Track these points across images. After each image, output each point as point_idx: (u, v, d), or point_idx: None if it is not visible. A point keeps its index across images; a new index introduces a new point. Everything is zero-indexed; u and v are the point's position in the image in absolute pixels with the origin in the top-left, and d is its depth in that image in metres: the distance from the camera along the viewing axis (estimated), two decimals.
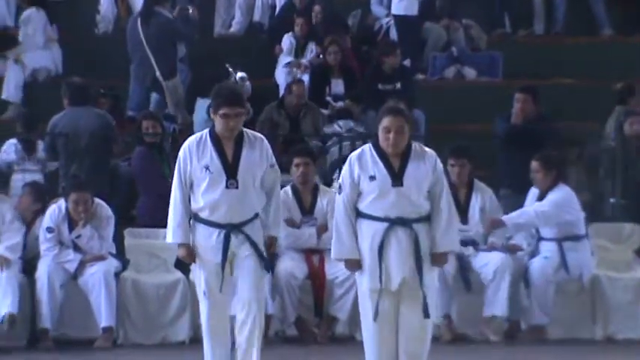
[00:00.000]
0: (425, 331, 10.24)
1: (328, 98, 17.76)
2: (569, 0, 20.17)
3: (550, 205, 14.43)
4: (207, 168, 10.35)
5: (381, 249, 10.06)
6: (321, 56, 18.69)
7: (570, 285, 14.50)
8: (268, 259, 10.80)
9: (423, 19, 19.08)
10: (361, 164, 10.14)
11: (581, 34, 19.98)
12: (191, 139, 10.55)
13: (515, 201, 14.64)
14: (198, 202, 10.43)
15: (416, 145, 10.22)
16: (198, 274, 10.60)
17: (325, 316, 14.29)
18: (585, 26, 20.04)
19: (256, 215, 10.51)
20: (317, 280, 14.38)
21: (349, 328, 14.34)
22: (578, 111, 17.26)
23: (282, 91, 18.23)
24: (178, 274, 14.48)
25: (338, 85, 17.81)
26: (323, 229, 13.91)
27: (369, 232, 10.04)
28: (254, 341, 10.54)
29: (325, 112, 17.42)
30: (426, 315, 10.09)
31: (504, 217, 12.71)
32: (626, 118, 16.43)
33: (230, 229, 10.39)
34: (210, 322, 10.53)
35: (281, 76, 18.62)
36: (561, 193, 14.47)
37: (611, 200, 15.96)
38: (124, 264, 14.59)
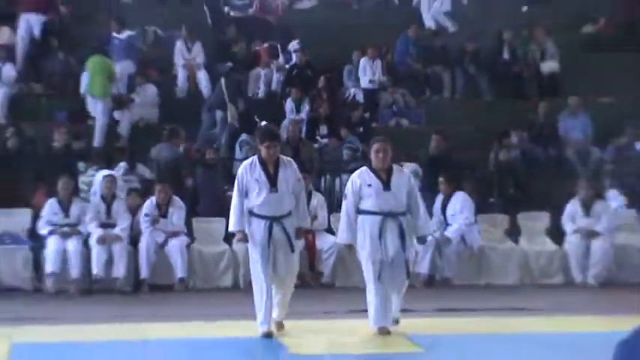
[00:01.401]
0: (405, 282, 10.56)
1: (317, 137, 17.25)
2: (464, 76, 19.50)
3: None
4: (257, 180, 10.37)
5: (380, 233, 10.32)
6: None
7: (465, 252, 14.84)
8: (296, 241, 10.67)
9: (378, 89, 18.56)
10: (362, 178, 10.52)
11: (471, 98, 19.25)
12: (245, 163, 10.68)
13: (431, 201, 14.46)
14: (252, 202, 10.41)
15: (395, 165, 10.70)
16: (252, 249, 10.51)
17: (315, 271, 14.65)
18: (473, 92, 19.34)
19: (290, 212, 10.51)
20: (311, 249, 14.55)
21: (330, 279, 14.57)
22: (472, 146, 16.92)
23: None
24: (225, 246, 14.65)
25: (324, 129, 17.30)
26: (314, 217, 14.03)
27: (369, 222, 10.39)
28: (288, 292, 10.62)
29: (315, 145, 17.03)
30: (409, 275, 10.64)
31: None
32: (499, 151, 16.60)
33: (272, 220, 10.38)
34: (259, 277, 10.36)
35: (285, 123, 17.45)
36: (459, 197, 14.71)
37: (491, 200, 16.16)
38: (192, 239, 14.74)
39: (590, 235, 14.72)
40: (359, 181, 10.52)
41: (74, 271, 13.86)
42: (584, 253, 14.73)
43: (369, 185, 10.43)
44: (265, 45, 18.87)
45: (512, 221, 15.52)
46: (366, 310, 10.69)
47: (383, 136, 11.26)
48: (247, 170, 10.46)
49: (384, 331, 10.42)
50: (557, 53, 19.60)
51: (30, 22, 18.18)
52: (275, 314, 10.50)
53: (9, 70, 17.49)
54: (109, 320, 11.62)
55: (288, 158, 10.94)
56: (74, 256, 13.88)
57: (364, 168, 10.70)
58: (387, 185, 10.41)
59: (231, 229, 10.82)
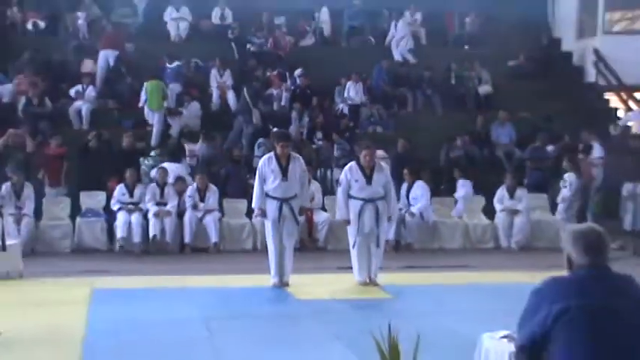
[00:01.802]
0: (380, 250, 10.79)
1: (315, 140, 16.78)
2: (422, 96, 19.13)
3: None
4: (272, 171, 10.54)
5: (360, 214, 10.56)
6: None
7: (423, 224, 14.71)
8: (299, 218, 11.00)
9: (360, 104, 18.25)
10: (351, 172, 10.72)
11: (427, 112, 18.83)
12: (264, 157, 10.88)
13: (398, 187, 14.06)
14: (268, 187, 10.57)
15: (378, 163, 10.86)
16: (267, 222, 10.70)
17: (313, 238, 14.49)
18: (429, 108, 18.89)
19: (296, 195, 10.63)
20: (310, 222, 14.38)
21: (324, 244, 14.42)
22: (428, 147, 16.73)
23: None
24: (247, 220, 14.48)
25: (319, 134, 16.84)
26: (312, 199, 13.58)
27: (353, 205, 10.62)
28: (291, 255, 10.70)
29: (313, 146, 16.53)
30: (379, 245, 10.76)
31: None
32: (449, 149, 16.58)
33: (282, 201, 10.53)
34: (272, 243, 10.59)
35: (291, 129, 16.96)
36: (419, 185, 14.68)
37: (441, 187, 16.00)
38: (223, 214, 14.64)
39: (513, 212, 14.72)
40: (349, 175, 10.66)
41: (136, 237, 13.87)
42: (509, 225, 14.74)
43: (356, 180, 10.58)
44: (276, 72, 18.65)
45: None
46: (351, 267, 10.82)
47: (369, 142, 11.40)
48: (266, 163, 10.59)
49: (362, 283, 10.67)
50: (490, 79, 19.57)
51: (106, 56, 18.20)
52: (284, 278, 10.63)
53: (91, 91, 17.47)
54: (162, 273, 11.78)
55: (297, 155, 11.05)
56: (136, 226, 13.88)
57: (353, 163, 10.83)
58: (369, 180, 10.57)
59: (253, 206, 10.95)
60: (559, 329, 3.99)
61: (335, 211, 11.85)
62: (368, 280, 10.70)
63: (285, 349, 7.72)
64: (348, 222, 10.75)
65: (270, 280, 10.66)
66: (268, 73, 18.77)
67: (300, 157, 10.97)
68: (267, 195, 10.57)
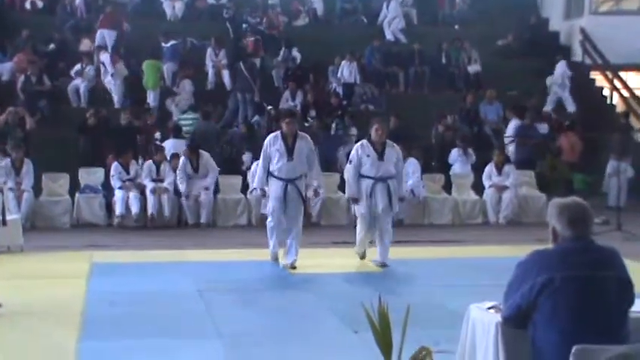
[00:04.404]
0: (390, 233, 10.34)
1: (308, 118, 16.46)
2: (413, 75, 19.17)
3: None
4: (278, 150, 9.94)
5: (372, 194, 10.04)
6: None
7: (414, 200, 14.48)
8: (306, 198, 10.39)
9: (353, 83, 18.25)
10: (362, 148, 10.16)
11: (418, 91, 18.76)
12: (270, 136, 10.26)
13: None
14: (273, 167, 9.98)
15: (388, 141, 10.24)
16: (271, 201, 10.15)
17: (307, 214, 13.57)
18: (419, 86, 18.89)
19: (301, 175, 10.11)
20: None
21: (317, 219, 14.16)
22: (419, 125, 16.44)
23: None
24: (241, 195, 14.34)
25: (312, 112, 16.63)
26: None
27: (364, 184, 10.08)
28: (298, 237, 10.12)
29: (306, 124, 15.83)
30: (393, 225, 10.54)
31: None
32: (437, 125, 16.56)
33: (287, 181, 9.94)
34: (273, 224, 10.13)
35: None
36: (410, 162, 14.37)
37: (433, 163, 15.95)
38: (218, 191, 14.50)
39: (501, 188, 14.69)
40: (360, 151, 10.12)
41: (134, 213, 13.77)
42: (497, 201, 14.71)
43: (368, 156, 10.04)
44: (253, 39, 18.54)
45: (447, 179, 15.37)
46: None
47: (380, 117, 10.78)
48: (271, 142, 10.05)
49: (360, 254, 10.51)
50: (479, 59, 19.57)
51: (104, 35, 18.11)
52: (289, 260, 10.07)
53: (90, 70, 17.44)
54: (160, 247, 11.76)
55: (304, 134, 10.46)
56: (134, 202, 13.78)
57: (364, 141, 10.29)
58: (381, 156, 10.06)
59: (255, 186, 10.57)
60: (543, 299, 4.05)
61: (328, 187, 11.69)
62: (377, 263, 10.33)
63: (279, 321, 7.75)
64: (356, 200, 10.29)
65: (268, 254, 10.41)
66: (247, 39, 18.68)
67: (308, 137, 10.37)
68: (271, 175, 10.04)
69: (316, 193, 10.84)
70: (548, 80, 19.21)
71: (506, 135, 16.91)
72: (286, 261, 10.11)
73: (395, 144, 10.30)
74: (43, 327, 7.36)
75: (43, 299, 8.41)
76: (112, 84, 17.37)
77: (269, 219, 10.27)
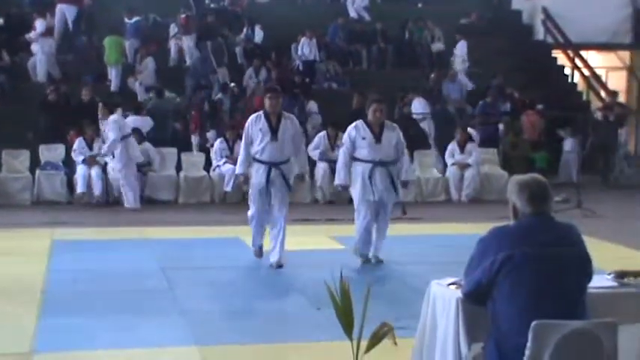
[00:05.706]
0: (387, 222, 9.37)
1: None
2: (377, 53, 19.36)
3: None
4: (260, 130, 8.85)
5: (370, 178, 8.95)
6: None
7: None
8: (291, 185, 9.11)
9: (315, 61, 18.30)
10: (357, 130, 9.10)
11: (381, 68, 18.90)
12: (253, 116, 9.16)
13: None
14: (255, 149, 8.90)
15: (386, 121, 9.26)
16: (252, 187, 9.07)
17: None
18: (382, 64, 19.07)
19: (288, 159, 9.06)
20: None
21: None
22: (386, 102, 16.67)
23: None
24: (204, 173, 14.25)
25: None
26: None
27: (361, 169, 9.00)
28: (282, 232, 8.98)
29: None
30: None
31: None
32: (401, 107, 16.51)
33: (271, 165, 8.85)
34: (255, 213, 9.02)
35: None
36: None
37: (432, 142, 16.02)
38: (181, 168, 14.33)
39: (463, 166, 14.76)
40: (354, 133, 9.09)
41: (96, 190, 13.57)
42: (459, 179, 14.78)
43: (364, 138, 9.02)
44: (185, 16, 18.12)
45: (410, 155, 14.93)
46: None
47: (379, 96, 9.64)
48: (253, 122, 9.01)
49: (364, 258, 9.37)
50: (443, 37, 19.64)
51: (63, 10, 17.85)
52: (274, 258, 9.06)
53: (50, 46, 17.23)
54: (122, 225, 11.71)
55: (290, 114, 9.49)
56: (96, 179, 13.60)
57: (360, 121, 9.22)
58: (378, 139, 9.03)
59: (237, 172, 9.43)
60: (503, 276, 4.08)
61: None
62: (372, 257, 9.37)
63: (242, 298, 7.77)
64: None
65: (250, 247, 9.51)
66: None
67: (294, 117, 9.43)
68: (254, 159, 9.02)
69: (302, 178, 9.94)
70: None
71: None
72: (271, 259, 9.15)
73: (396, 125, 9.42)
74: (2, 305, 7.29)
75: (3, 277, 8.35)
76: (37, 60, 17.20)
77: (250, 210, 9.23)
